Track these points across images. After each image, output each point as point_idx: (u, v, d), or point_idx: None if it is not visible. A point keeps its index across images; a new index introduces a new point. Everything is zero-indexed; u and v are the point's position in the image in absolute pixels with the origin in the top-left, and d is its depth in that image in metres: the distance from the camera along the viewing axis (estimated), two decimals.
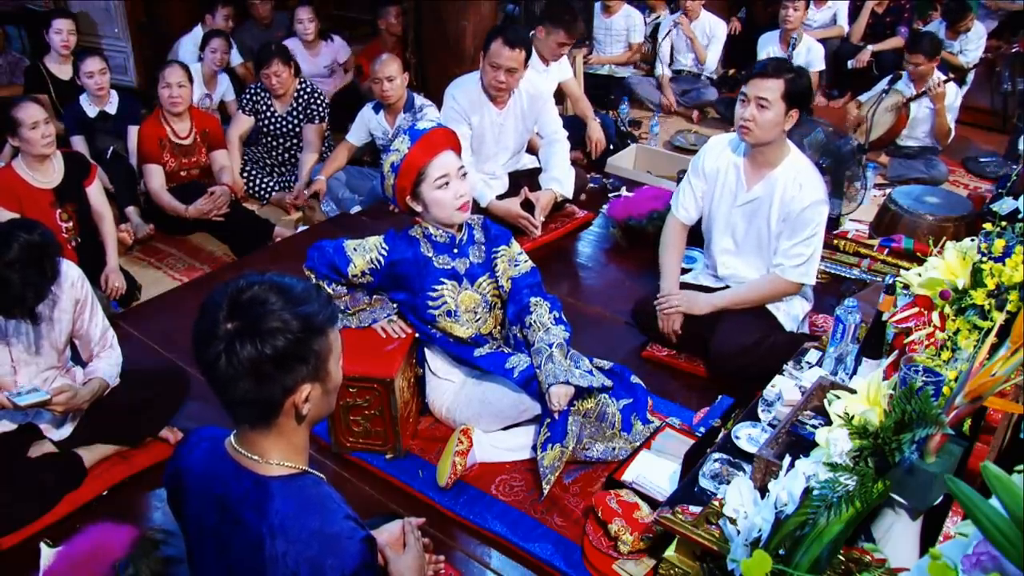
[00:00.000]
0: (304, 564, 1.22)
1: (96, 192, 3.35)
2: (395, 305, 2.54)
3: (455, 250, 2.44)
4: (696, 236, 3.09)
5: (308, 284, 1.28)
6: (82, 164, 3.34)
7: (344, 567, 1.22)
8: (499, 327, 2.58)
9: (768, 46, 5.46)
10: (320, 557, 1.22)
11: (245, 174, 4.42)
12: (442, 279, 2.42)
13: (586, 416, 2.40)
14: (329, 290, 2.42)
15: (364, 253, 2.40)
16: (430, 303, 2.42)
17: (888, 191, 4.04)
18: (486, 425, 2.47)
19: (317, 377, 1.27)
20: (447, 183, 2.32)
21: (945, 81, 4.55)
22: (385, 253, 2.40)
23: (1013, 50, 5.32)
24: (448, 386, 2.57)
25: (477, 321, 2.49)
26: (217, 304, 1.21)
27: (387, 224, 4.00)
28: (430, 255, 2.42)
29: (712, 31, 5.84)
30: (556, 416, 2.27)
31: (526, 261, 2.54)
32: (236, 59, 5.32)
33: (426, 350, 2.59)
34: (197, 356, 1.23)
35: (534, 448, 2.43)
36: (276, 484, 1.28)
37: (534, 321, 2.43)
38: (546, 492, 2.30)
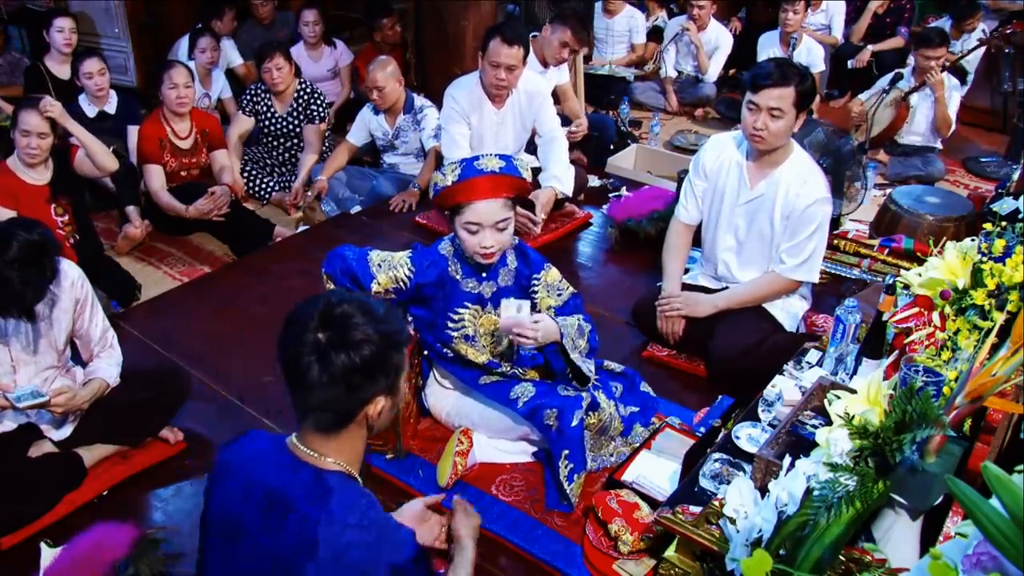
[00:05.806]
0: (361, 550, 1.30)
1: (82, 155, 3.34)
2: (410, 319, 2.51)
3: (483, 274, 2.36)
4: (696, 237, 3.09)
5: (389, 306, 1.40)
6: (64, 151, 3.33)
7: (399, 555, 1.32)
8: (512, 349, 2.52)
9: (768, 47, 5.46)
10: (377, 544, 1.31)
11: (245, 174, 4.42)
12: (466, 303, 2.36)
13: (587, 429, 2.39)
14: None
15: (389, 270, 2.30)
16: (450, 324, 2.37)
17: (888, 191, 4.04)
18: (485, 433, 2.47)
19: (391, 391, 1.39)
20: (476, 232, 2.21)
21: (942, 70, 4.53)
22: (411, 275, 2.31)
23: (1008, 31, 5.27)
24: (449, 392, 2.56)
25: (493, 344, 2.46)
26: (308, 316, 1.32)
27: (388, 224, 4.05)
28: (457, 277, 2.34)
29: (718, 41, 5.83)
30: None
31: (568, 289, 2.44)
32: (237, 59, 5.32)
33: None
34: (286, 366, 1.33)
35: (535, 455, 2.45)
36: (335, 477, 1.37)
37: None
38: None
